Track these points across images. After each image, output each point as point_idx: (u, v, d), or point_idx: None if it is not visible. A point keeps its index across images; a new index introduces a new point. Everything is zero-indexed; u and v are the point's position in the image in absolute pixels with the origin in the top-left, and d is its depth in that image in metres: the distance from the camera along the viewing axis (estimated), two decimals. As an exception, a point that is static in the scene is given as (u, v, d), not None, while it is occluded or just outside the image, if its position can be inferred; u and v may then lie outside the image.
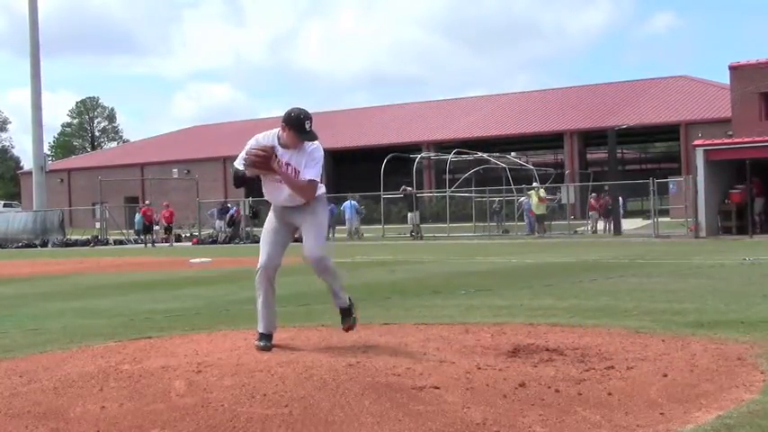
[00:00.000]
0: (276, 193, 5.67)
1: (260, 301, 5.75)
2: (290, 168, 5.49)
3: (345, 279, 6.09)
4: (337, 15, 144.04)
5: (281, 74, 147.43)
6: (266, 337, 5.58)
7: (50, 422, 3.89)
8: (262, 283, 5.78)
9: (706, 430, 3.47)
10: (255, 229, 35.44)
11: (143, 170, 60.67)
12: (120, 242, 35.00)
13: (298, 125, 5.43)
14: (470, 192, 36.29)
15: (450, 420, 3.70)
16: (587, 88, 56.68)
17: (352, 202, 32.98)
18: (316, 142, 5.60)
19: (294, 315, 7.99)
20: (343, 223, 32.93)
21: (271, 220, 5.85)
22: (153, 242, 31.87)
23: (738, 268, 12.55)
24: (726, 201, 25.40)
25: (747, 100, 27.93)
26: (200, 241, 33.27)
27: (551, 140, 54.69)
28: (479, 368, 4.75)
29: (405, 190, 33.08)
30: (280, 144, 5.50)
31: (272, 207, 5.81)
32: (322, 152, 5.69)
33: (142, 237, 33.09)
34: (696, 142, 27.27)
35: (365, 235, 32.53)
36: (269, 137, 5.58)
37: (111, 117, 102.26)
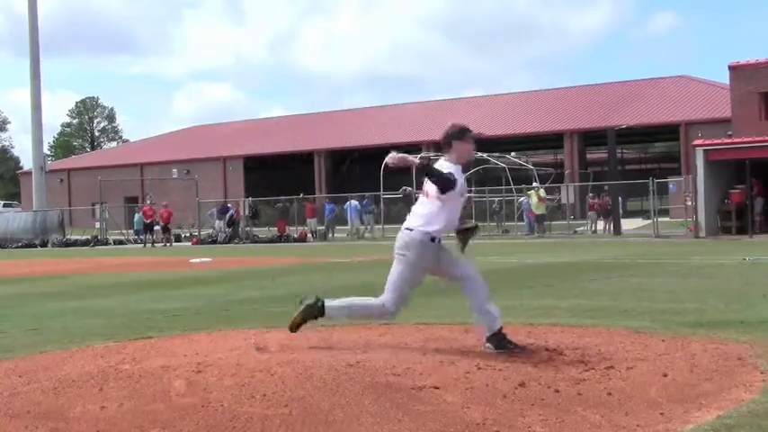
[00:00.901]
0: (455, 213, 5.50)
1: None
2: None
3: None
4: (337, 15, 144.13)
5: (280, 74, 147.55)
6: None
7: (50, 422, 3.89)
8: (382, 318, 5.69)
9: (706, 430, 3.48)
10: (255, 229, 35.51)
11: (143, 170, 60.63)
12: (120, 242, 35.00)
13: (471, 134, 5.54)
14: (470, 192, 36.26)
15: (450, 420, 3.70)
16: (587, 88, 56.65)
17: (354, 202, 33.02)
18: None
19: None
20: (346, 223, 33.04)
21: (425, 258, 5.40)
22: (153, 242, 31.86)
23: (738, 268, 12.55)
24: (726, 201, 25.40)
25: (747, 100, 27.92)
26: (200, 241, 33.27)
27: (551, 140, 54.68)
28: (479, 368, 4.75)
29: (405, 190, 33.08)
30: (456, 167, 5.43)
31: (428, 246, 5.38)
32: None
33: (142, 237, 33.07)
34: (696, 142, 27.27)
35: (366, 235, 32.54)
36: (450, 168, 5.43)
37: (110, 117, 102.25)
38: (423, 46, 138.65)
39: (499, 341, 5.37)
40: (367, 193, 34.55)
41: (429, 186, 5.45)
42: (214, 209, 36.42)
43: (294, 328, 5.62)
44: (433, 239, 5.39)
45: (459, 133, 5.58)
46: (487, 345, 5.39)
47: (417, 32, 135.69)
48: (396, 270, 5.45)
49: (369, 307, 5.56)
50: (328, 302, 5.54)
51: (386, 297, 5.45)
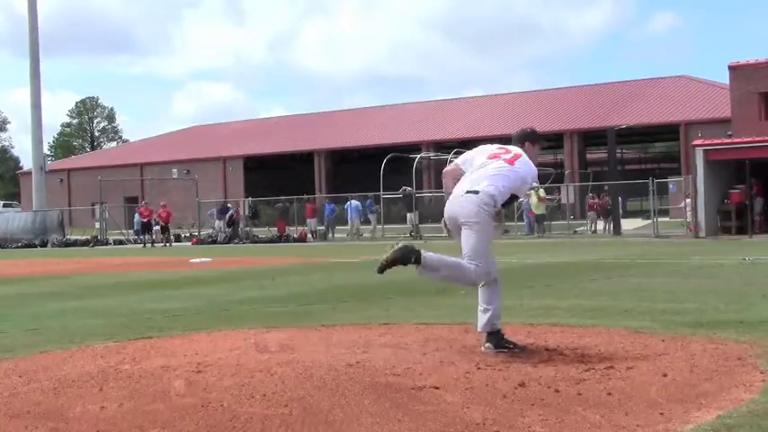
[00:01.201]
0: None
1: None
2: None
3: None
4: (337, 15, 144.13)
5: (280, 74, 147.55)
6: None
7: (50, 422, 3.89)
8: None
9: (706, 430, 3.47)
10: (255, 229, 35.51)
11: (143, 170, 60.64)
12: (120, 242, 35.00)
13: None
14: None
15: (450, 420, 3.70)
16: (587, 88, 56.66)
17: (355, 202, 33.05)
18: None
19: (294, 315, 7.99)
20: (346, 223, 33.07)
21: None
22: (152, 242, 31.87)
23: (738, 268, 12.55)
24: (726, 201, 25.41)
25: (747, 100, 27.92)
26: (200, 241, 33.27)
27: (551, 140, 54.62)
28: (479, 368, 4.75)
29: (404, 190, 33.09)
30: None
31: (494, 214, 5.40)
32: None
33: (142, 237, 33.08)
34: (696, 142, 27.27)
35: (365, 235, 32.55)
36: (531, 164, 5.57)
37: (110, 117, 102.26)
38: (423, 46, 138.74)
39: (498, 341, 5.38)
40: (370, 193, 34.61)
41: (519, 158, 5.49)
42: (214, 209, 36.43)
43: (382, 269, 5.34)
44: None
45: (533, 136, 5.75)
46: (487, 345, 5.39)
47: (417, 32, 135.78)
48: (471, 237, 5.29)
49: (462, 267, 5.29)
50: (425, 252, 5.32)
51: (476, 262, 5.27)
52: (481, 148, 5.70)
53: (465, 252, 5.30)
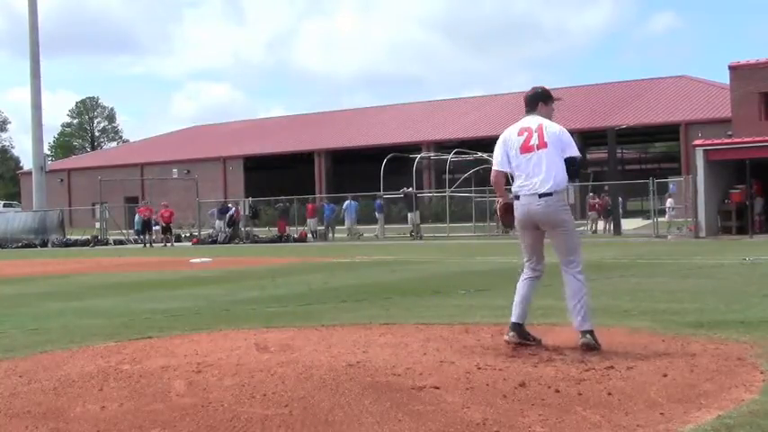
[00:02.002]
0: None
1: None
2: None
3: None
4: (336, 15, 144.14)
5: (280, 74, 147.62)
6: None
7: (50, 422, 3.89)
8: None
9: (706, 430, 3.47)
10: (255, 229, 35.50)
11: (143, 170, 60.64)
12: (120, 242, 34.98)
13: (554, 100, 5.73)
14: (470, 192, 36.27)
15: (450, 420, 3.70)
16: (587, 88, 56.62)
17: (354, 203, 33.05)
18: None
19: (294, 315, 7.98)
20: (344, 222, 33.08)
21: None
22: (152, 242, 31.85)
23: (738, 268, 12.55)
24: (726, 201, 25.40)
25: (747, 100, 27.91)
26: (200, 241, 33.25)
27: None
28: (479, 368, 4.75)
29: (405, 190, 33.11)
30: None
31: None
32: None
33: (142, 237, 33.06)
34: (696, 142, 27.26)
35: (365, 235, 32.55)
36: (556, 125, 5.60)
37: (110, 117, 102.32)
38: (422, 46, 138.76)
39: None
40: (371, 193, 34.62)
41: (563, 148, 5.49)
42: (214, 209, 36.41)
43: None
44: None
45: (545, 96, 5.77)
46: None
47: (417, 32, 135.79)
48: (564, 239, 5.57)
49: (582, 290, 5.53)
50: (584, 325, 5.38)
51: (577, 267, 5.59)
52: (505, 139, 5.62)
53: (564, 254, 5.58)
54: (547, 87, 5.84)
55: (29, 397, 4.41)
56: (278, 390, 4.25)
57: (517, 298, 5.59)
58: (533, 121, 5.56)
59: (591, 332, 5.33)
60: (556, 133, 5.47)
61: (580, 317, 5.38)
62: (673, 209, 30.84)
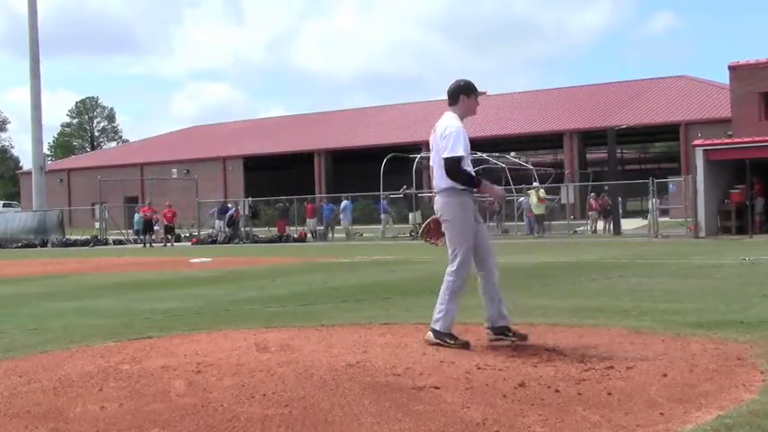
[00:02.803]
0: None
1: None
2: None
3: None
4: (336, 15, 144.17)
5: (280, 74, 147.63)
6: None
7: (50, 422, 3.89)
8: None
9: (706, 430, 3.47)
10: (255, 229, 35.49)
11: (143, 170, 60.64)
12: (120, 242, 34.99)
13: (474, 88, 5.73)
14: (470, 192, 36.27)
15: (450, 420, 3.70)
16: (587, 88, 56.65)
17: (349, 203, 33.06)
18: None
19: (294, 315, 7.98)
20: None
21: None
22: (151, 242, 31.84)
23: (738, 268, 12.54)
24: (726, 201, 25.40)
25: (747, 100, 27.91)
26: (200, 241, 33.25)
27: (551, 140, 54.66)
28: (479, 368, 4.75)
29: (405, 190, 33.13)
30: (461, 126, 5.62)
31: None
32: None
33: (142, 237, 33.06)
34: (696, 142, 27.25)
35: (365, 235, 32.55)
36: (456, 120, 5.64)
37: (110, 117, 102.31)
38: (422, 46, 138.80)
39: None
40: (372, 193, 34.64)
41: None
42: (214, 209, 36.41)
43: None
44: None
45: (468, 89, 5.75)
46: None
47: (416, 32, 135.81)
48: (449, 235, 5.85)
49: (445, 292, 5.76)
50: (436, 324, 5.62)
51: (452, 266, 5.92)
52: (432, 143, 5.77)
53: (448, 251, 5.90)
54: (471, 80, 5.82)
55: (29, 397, 4.41)
56: (278, 390, 4.25)
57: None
58: (441, 120, 5.69)
59: (435, 331, 5.53)
60: (440, 134, 5.60)
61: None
62: (658, 210, 30.75)
